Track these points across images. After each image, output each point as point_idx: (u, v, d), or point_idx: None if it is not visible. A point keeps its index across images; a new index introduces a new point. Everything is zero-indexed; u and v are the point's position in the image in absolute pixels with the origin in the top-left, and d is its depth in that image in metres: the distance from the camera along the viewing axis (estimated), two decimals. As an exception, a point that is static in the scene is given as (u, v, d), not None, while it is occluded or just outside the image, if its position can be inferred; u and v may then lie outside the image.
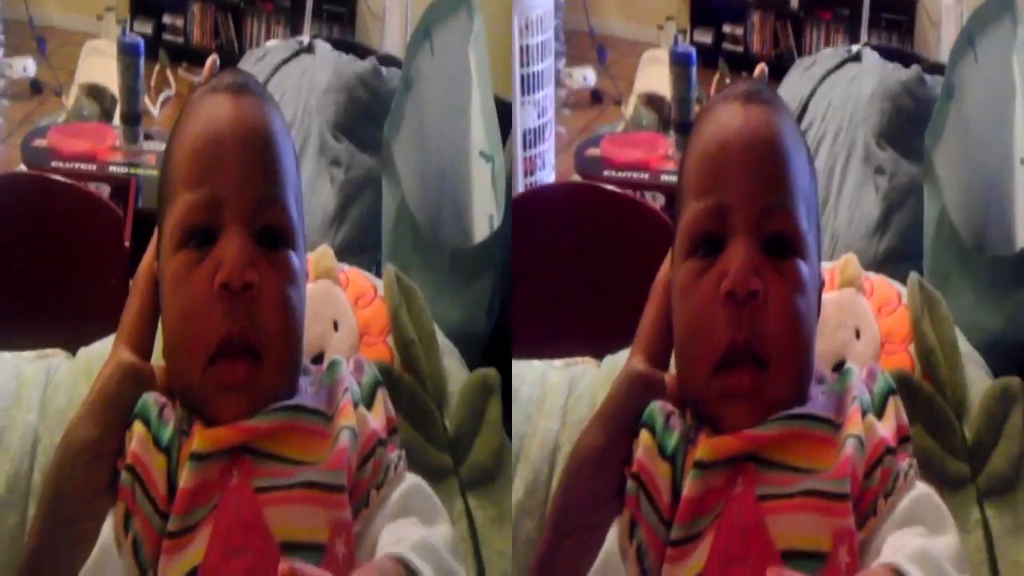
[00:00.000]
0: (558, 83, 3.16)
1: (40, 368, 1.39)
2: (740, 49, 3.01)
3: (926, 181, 1.81)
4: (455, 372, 1.47)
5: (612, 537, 1.23)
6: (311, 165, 2.13)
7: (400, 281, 1.45)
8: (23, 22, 3.22)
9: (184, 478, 1.19)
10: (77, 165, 2.80)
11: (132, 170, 2.76)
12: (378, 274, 1.53)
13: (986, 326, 1.58)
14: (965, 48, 1.91)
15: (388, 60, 2.24)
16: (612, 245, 2.19)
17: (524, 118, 2.94)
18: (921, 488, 1.26)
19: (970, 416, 1.42)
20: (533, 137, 2.98)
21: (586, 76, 3.27)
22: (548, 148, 3.04)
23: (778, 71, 2.55)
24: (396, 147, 1.78)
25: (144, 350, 1.26)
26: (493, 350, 1.63)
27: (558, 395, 1.43)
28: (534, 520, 1.37)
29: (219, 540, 1.18)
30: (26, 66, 3.21)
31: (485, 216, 1.84)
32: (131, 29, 2.95)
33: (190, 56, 3.00)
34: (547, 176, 3.04)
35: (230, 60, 2.60)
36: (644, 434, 1.24)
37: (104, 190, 2.72)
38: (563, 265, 2.35)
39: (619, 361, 1.31)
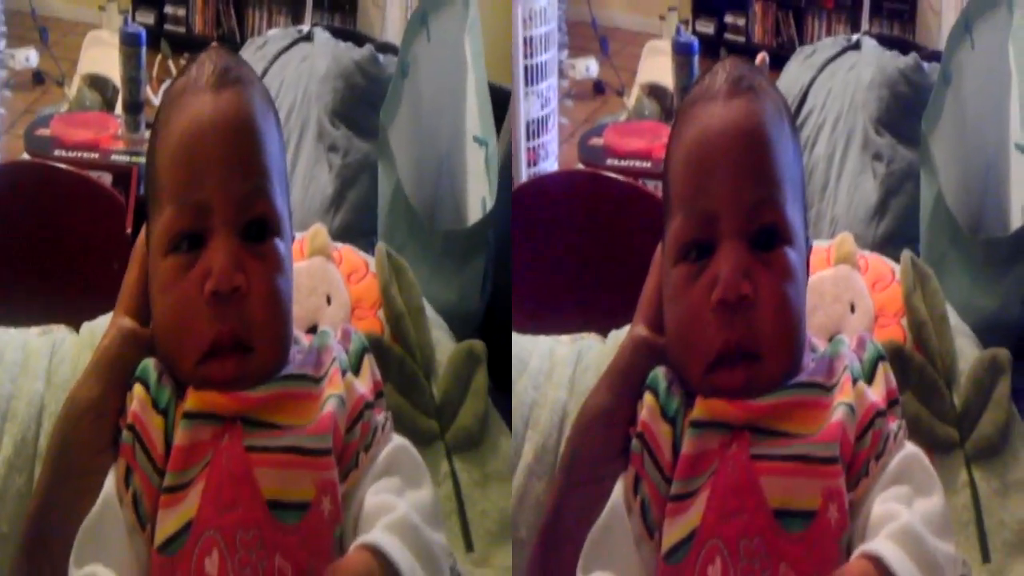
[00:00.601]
0: (561, 74, 3.19)
1: (45, 341, 1.46)
2: (742, 39, 3.02)
3: (923, 166, 1.83)
4: (443, 343, 1.53)
5: (618, 491, 1.28)
6: (309, 151, 2.15)
7: (391, 257, 1.51)
8: (25, 12, 3.24)
9: (178, 436, 1.24)
10: (80, 154, 2.82)
11: (134, 159, 2.77)
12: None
13: (981, 306, 1.62)
14: (962, 35, 1.93)
15: (385, 47, 2.26)
16: (614, 232, 2.22)
17: (527, 109, 2.98)
18: (910, 448, 1.30)
19: (959, 385, 1.48)
20: (536, 127, 3.01)
21: (589, 67, 3.29)
22: (551, 138, 3.08)
23: (779, 61, 2.56)
24: (392, 133, 1.81)
25: (144, 317, 1.31)
26: (487, 329, 1.66)
27: (566, 366, 1.49)
28: (543, 483, 1.44)
29: (211, 495, 1.23)
30: (28, 57, 3.23)
31: (478, 199, 1.87)
32: (133, 19, 2.97)
33: (192, 46, 3.01)
34: (550, 166, 3.07)
35: (231, 50, 2.59)
36: (648, 396, 1.29)
37: (106, 178, 2.73)
38: (566, 252, 2.37)
39: (624, 336, 1.37)
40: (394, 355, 1.47)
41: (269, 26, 2.65)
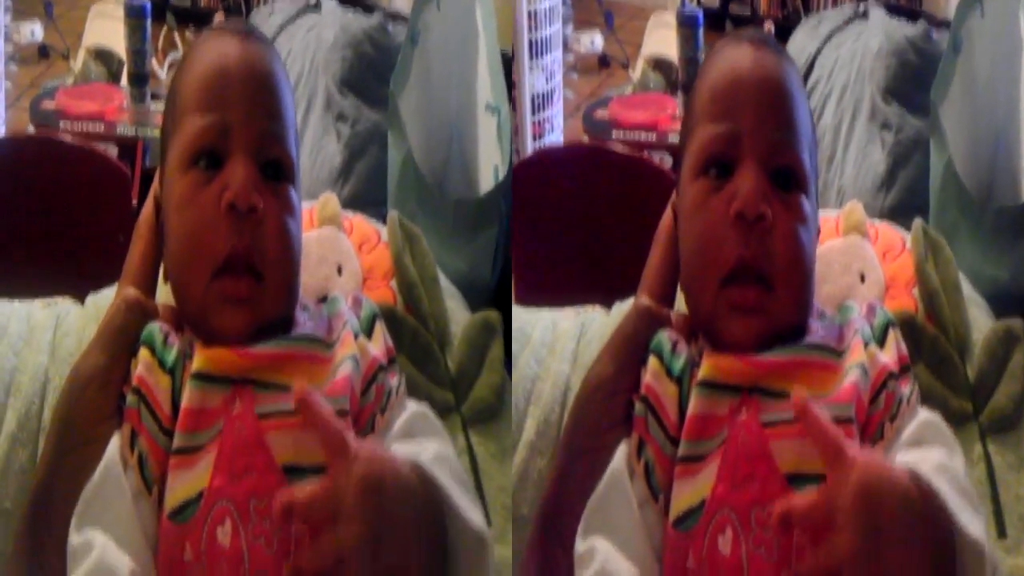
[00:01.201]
0: (566, 48, 3.19)
1: (50, 314, 1.42)
2: (747, 12, 3.00)
3: (932, 135, 1.80)
4: (457, 313, 1.49)
5: (620, 456, 1.26)
6: (317, 121, 2.13)
7: (403, 226, 1.48)
8: (30, -14, 3.22)
9: (186, 396, 1.22)
10: (85, 126, 2.82)
11: (139, 131, 2.77)
12: (385, 229, 1.55)
13: (991, 276, 1.59)
14: (971, 3, 1.90)
15: (394, 16, 2.23)
16: (619, 205, 2.23)
17: (532, 82, 3.00)
18: (926, 414, 1.28)
19: (972, 356, 1.44)
20: (541, 101, 3.02)
21: (594, 40, 3.30)
22: (556, 112, 3.09)
23: (785, 33, 2.54)
24: (402, 101, 1.79)
25: (149, 288, 1.30)
26: (499, 299, 1.63)
27: (569, 339, 1.46)
28: (545, 459, 1.41)
29: (224, 464, 1.21)
30: (33, 30, 3.22)
31: (490, 168, 1.84)
32: (138, -9, 2.93)
33: (197, 18, 3.00)
34: (555, 140, 3.08)
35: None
36: (652, 360, 1.28)
37: (112, 151, 2.73)
38: (570, 225, 2.40)
39: (628, 307, 1.34)
40: (407, 325, 1.44)
41: (275, -3, 2.62)
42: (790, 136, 1.29)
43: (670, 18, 3.06)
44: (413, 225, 1.48)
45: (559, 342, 1.46)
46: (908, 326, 1.40)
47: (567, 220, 2.41)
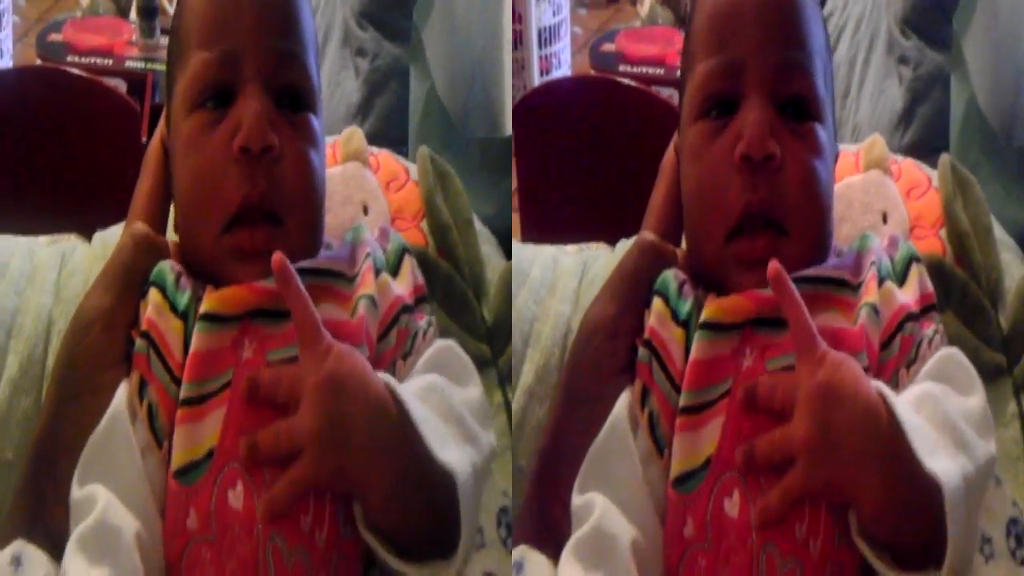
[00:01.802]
0: (574, -19, 3.16)
1: (55, 252, 1.31)
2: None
3: (954, 69, 1.70)
4: (493, 259, 1.37)
5: (621, 406, 1.15)
6: (334, 55, 2.05)
7: (434, 162, 1.35)
8: (38, -82, 3.21)
9: (195, 341, 1.11)
10: (93, 60, 2.78)
11: (148, 65, 2.73)
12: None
13: (1017, 218, 1.45)
14: (994, -74, 1.80)
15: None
16: (625, 140, 2.13)
17: (539, 16, 2.94)
18: (947, 349, 1.17)
19: (1005, 304, 1.31)
20: (548, 35, 2.96)
21: (602, -25, 3.27)
22: (564, 47, 3.03)
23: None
24: (426, 35, 1.69)
25: (158, 225, 1.19)
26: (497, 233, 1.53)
27: (570, 278, 1.34)
28: (544, 406, 1.28)
29: (233, 422, 1.10)
30: (42, -37, 3.24)
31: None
32: (148, -78, 2.86)
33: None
34: (563, 75, 3.03)
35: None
36: (657, 301, 1.16)
37: (121, 86, 2.69)
38: (575, 160, 2.33)
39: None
40: (440, 271, 1.30)
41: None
42: (800, 56, 1.16)
43: (680, -50, 3.01)
44: (444, 162, 1.36)
45: (560, 281, 1.34)
46: (936, 270, 1.27)
47: (572, 154, 2.34)
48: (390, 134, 1.92)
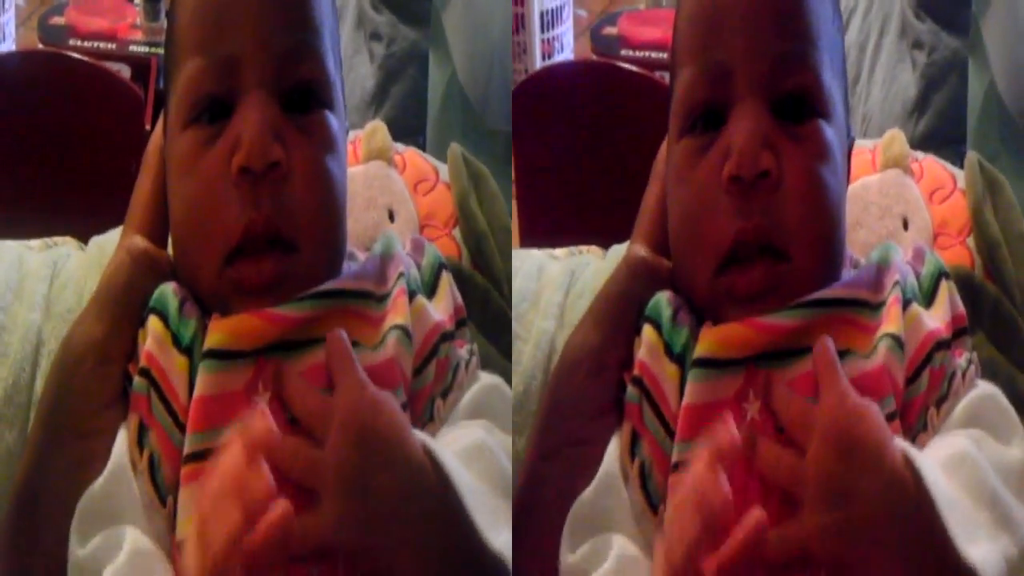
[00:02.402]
0: (577, -37, 3.08)
1: (46, 260, 1.14)
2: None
3: (972, 54, 1.64)
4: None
5: (612, 455, 0.99)
6: (348, 39, 1.94)
7: (468, 162, 1.19)
8: (42, -103, 3.16)
9: (199, 383, 0.95)
10: (96, 44, 2.70)
11: (153, 49, 2.65)
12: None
13: (1037, 214, 1.35)
14: (1015, -99, 1.70)
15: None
16: (627, 128, 1.99)
17: None
18: (983, 387, 1.01)
19: None
20: (551, 19, 2.87)
21: (606, -45, 3.22)
22: (566, 30, 2.94)
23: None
24: (446, 18, 1.60)
25: (158, 236, 1.03)
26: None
27: (555, 290, 1.16)
28: (523, 439, 1.09)
29: None
30: (46, -56, 3.15)
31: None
32: (153, -99, 2.79)
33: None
34: (566, 59, 2.94)
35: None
36: (648, 330, 0.99)
37: (125, 72, 2.62)
38: (574, 149, 2.24)
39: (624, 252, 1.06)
40: (476, 286, 1.13)
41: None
42: (799, 44, 0.98)
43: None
44: (478, 161, 1.22)
45: (544, 293, 1.16)
46: (964, 285, 1.10)
47: (570, 142, 2.25)
48: (407, 124, 1.80)
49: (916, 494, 0.89)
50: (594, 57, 2.80)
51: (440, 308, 1.03)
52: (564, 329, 1.11)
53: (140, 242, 1.01)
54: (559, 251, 1.21)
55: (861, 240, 1.14)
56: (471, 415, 1.01)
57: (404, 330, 0.98)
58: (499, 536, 0.93)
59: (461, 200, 1.17)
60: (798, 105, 0.98)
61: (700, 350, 0.97)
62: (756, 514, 0.90)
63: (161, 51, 2.60)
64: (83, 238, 1.21)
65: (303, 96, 0.99)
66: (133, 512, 0.94)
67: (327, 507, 0.90)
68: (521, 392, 1.11)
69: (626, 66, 2.49)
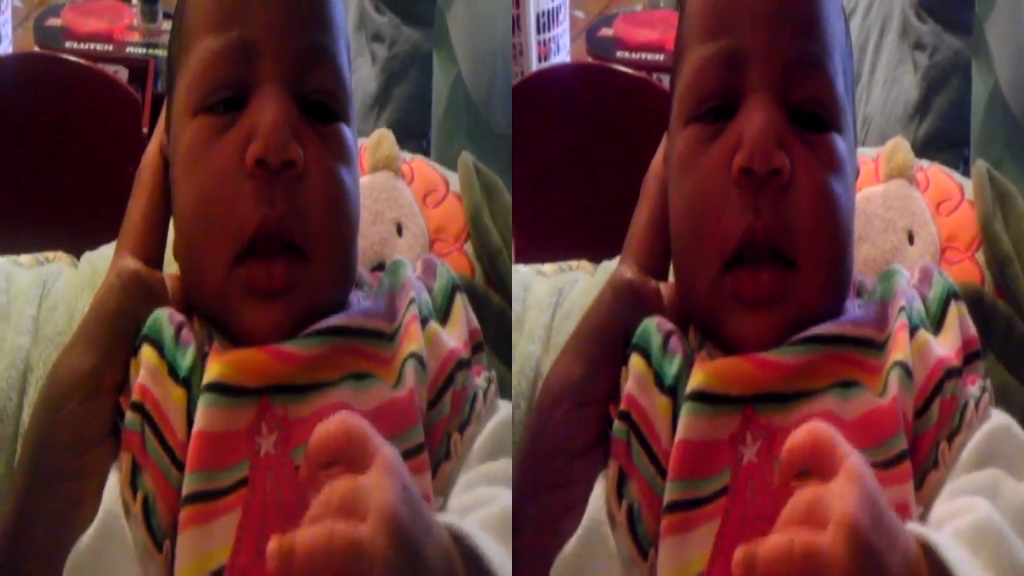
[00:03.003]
0: (575, -36, 3.04)
1: (35, 278, 1.05)
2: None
3: (976, 55, 1.59)
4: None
5: (597, 498, 0.90)
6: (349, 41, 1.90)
7: (479, 172, 1.10)
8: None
9: (200, 417, 0.87)
10: (92, 46, 2.66)
11: (150, 51, 2.60)
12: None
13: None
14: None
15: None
16: (623, 132, 1.97)
17: (538, 0, 2.79)
18: (996, 418, 0.93)
19: None
20: (547, 20, 2.82)
21: (603, -44, 3.20)
22: (563, 31, 2.89)
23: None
24: (451, 17, 1.53)
25: (152, 257, 0.95)
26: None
27: (541, 310, 1.07)
28: None
29: (251, 531, 0.86)
30: (43, -55, 3.12)
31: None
32: (150, -100, 2.74)
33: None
34: (562, 61, 2.88)
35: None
36: (636, 360, 0.91)
37: (122, 74, 2.57)
38: (568, 153, 2.19)
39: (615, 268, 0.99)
40: (491, 306, 1.05)
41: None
42: (816, 49, 0.92)
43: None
44: (489, 170, 1.14)
45: (530, 313, 1.07)
46: (974, 304, 1.03)
47: (566, 145, 2.21)
48: (410, 127, 1.75)
49: None
50: (590, 59, 2.77)
51: (455, 334, 0.95)
52: (550, 352, 1.03)
53: (132, 264, 0.93)
54: (547, 267, 1.13)
55: (864, 255, 1.07)
56: (491, 454, 0.92)
57: (419, 359, 0.90)
58: None
59: (474, 214, 1.09)
60: (813, 114, 0.92)
61: (696, 382, 0.89)
62: None
63: (159, 53, 2.58)
64: (80, 242, 1.14)
65: (320, 107, 0.92)
66: (126, 568, 0.87)
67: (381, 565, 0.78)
68: (504, 418, 1.01)
69: (622, 69, 2.45)
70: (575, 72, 2.57)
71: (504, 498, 0.89)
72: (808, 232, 0.90)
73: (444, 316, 0.96)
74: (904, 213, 1.10)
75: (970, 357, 0.94)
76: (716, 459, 0.88)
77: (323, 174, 0.90)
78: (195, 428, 0.87)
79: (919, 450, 0.89)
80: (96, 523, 0.86)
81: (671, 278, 0.96)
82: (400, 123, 1.81)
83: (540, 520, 0.90)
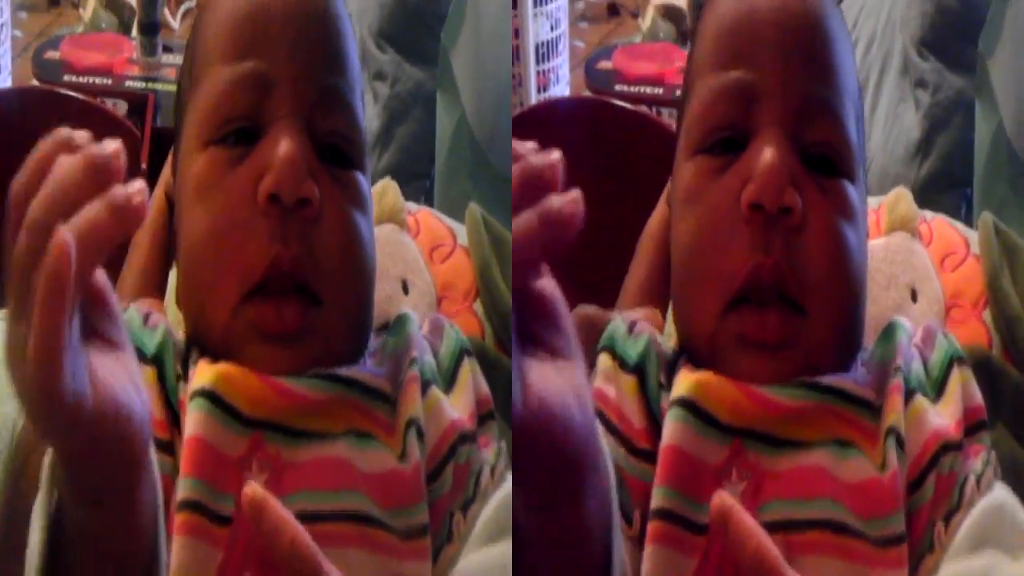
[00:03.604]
0: (574, -6, 3.02)
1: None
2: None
3: (979, 95, 1.58)
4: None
5: None
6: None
7: (488, 225, 1.04)
8: (39, -69, 3.09)
9: (191, 421, 0.81)
10: (91, 79, 2.61)
11: (150, 85, 2.56)
12: (428, 205, 1.14)
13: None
14: (1022, -62, 1.62)
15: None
16: (621, 167, 1.93)
17: (536, 30, 2.75)
18: (996, 495, 0.85)
19: None
20: (546, 50, 2.79)
21: (603, -13, 3.16)
22: (562, 62, 2.86)
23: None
24: (455, 57, 1.50)
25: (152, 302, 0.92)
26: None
27: None
28: None
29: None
30: (42, -24, 3.11)
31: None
32: (149, -65, 2.74)
33: (213, -36, 2.81)
34: (561, 92, 2.84)
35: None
36: (602, 357, 0.87)
37: (121, 107, 2.53)
38: (569, 184, 2.16)
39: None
40: (502, 371, 0.99)
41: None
42: (829, 93, 0.87)
43: (681, -37, 2.87)
44: (498, 223, 1.08)
45: None
46: (981, 368, 0.95)
47: (565, 179, 2.16)
48: (413, 167, 1.73)
49: None
50: (588, 92, 2.73)
51: (459, 404, 0.88)
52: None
53: (133, 312, 0.88)
54: None
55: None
56: (491, 536, 0.86)
57: (418, 427, 0.84)
58: None
59: (483, 270, 1.03)
60: (825, 160, 0.87)
61: (683, 389, 0.83)
62: None
63: (158, 87, 2.53)
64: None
65: (336, 151, 0.87)
66: None
67: None
68: None
69: (621, 104, 2.41)
70: (572, 106, 2.54)
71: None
72: (819, 277, 0.85)
73: (450, 382, 0.89)
74: (907, 268, 1.04)
75: (973, 427, 0.87)
76: (705, 485, 0.82)
77: (339, 218, 0.85)
78: (189, 432, 0.81)
79: (914, 529, 0.83)
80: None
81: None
82: (402, 163, 1.79)
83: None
